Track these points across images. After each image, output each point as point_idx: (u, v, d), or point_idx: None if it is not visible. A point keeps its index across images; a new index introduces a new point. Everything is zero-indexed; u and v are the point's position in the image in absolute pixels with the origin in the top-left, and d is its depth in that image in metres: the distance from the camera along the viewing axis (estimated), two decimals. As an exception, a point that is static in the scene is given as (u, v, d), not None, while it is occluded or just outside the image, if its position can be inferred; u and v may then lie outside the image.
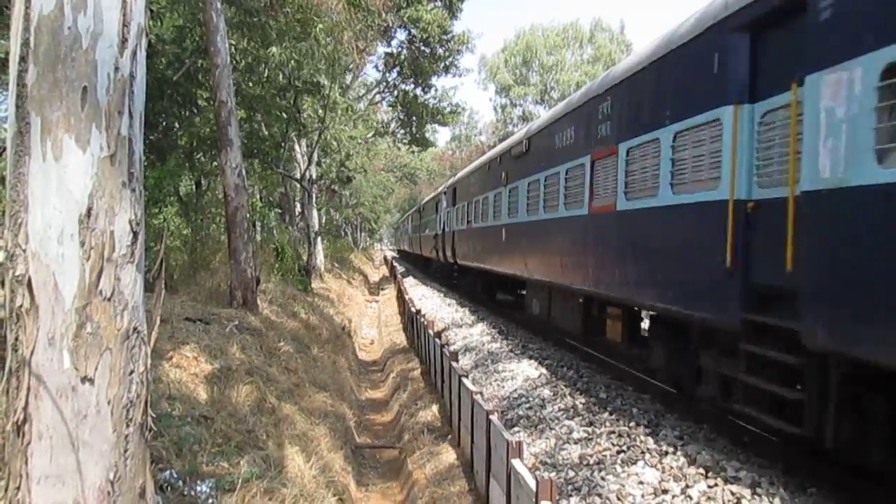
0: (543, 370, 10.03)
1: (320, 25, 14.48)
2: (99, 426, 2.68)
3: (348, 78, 25.17)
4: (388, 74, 28.14)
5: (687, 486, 5.30)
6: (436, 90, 28.72)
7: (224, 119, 11.32)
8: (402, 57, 26.57)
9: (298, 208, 25.59)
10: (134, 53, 2.79)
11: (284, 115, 17.77)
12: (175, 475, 4.75)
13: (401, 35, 26.04)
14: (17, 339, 2.61)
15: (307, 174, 23.78)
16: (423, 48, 25.93)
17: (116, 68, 2.71)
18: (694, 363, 6.82)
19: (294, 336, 11.83)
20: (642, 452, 6.10)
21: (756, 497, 5.02)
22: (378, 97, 30.10)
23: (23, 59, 2.58)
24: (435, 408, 9.93)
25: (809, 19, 4.81)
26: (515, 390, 9.36)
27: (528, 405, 8.50)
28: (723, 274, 5.77)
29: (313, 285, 19.90)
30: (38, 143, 2.58)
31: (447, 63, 27.08)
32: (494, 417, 5.87)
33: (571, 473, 6.02)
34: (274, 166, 19.58)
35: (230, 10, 13.52)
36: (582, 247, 9.55)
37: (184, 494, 4.62)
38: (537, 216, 11.72)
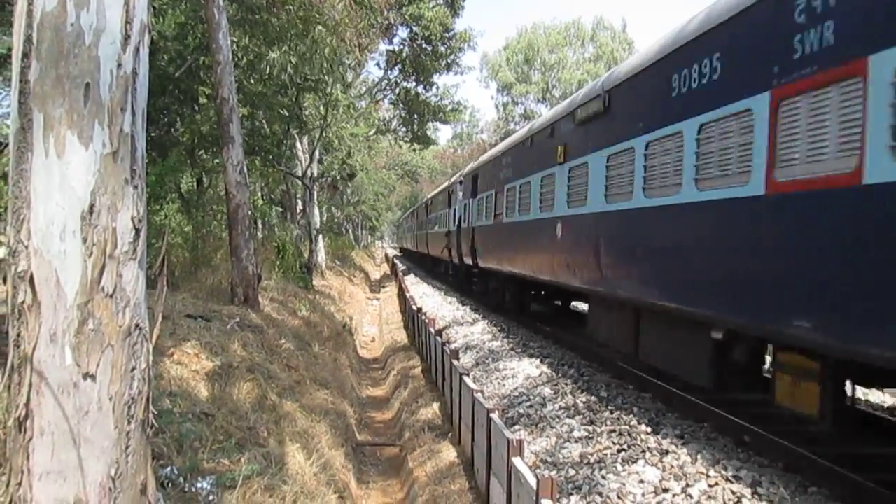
0: (544, 368, 10.02)
1: (320, 26, 14.47)
2: (100, 423, 2.68)
3: (350, 76, 25.17)
4: (389, 72, 28.14)
5: (688, 485, 5.30)
6: (437, 88, 28.75)
7: (226, 116, 11.32)
8: (404, 54, 26.57)
9: (300, 205, 25.61)
10: (136, 50, 2.79)
11: (286, 113, 17.78)
12: (176, 472, 4.75)
13: (402, 32, 26.08)
14: (19, 335, 2.61)
15: (309, 171, 23.80)
16: (424, 46, 25.94)
17: (119, 65, 2.71)
18: None
19: (295, 333, 11.84)
20: (643, 451, 6.10)
21: (757, 496, 5.02)
22: (380, 95, 30.10)
23: (26, 55, 2.59)
24: (436, 406, 9.94)
25: None
26: (516, 388, 9.36)
27: (528, 403, 8.50)
28: None
29: (314, 283, 19.93)
30: (40, 139, 2.58)
31: (449, 61, 27.09)
32: (495, 416, 5.87)
33: (572, 472, 6.03)
34: (275, 163, 19.59)
35: (232, 8, 13.52)
36: (741, 249, 5.82)
37: (185, 491, 4.62)
38: (630, 203, 8.00)
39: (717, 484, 5.26)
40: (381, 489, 8.33)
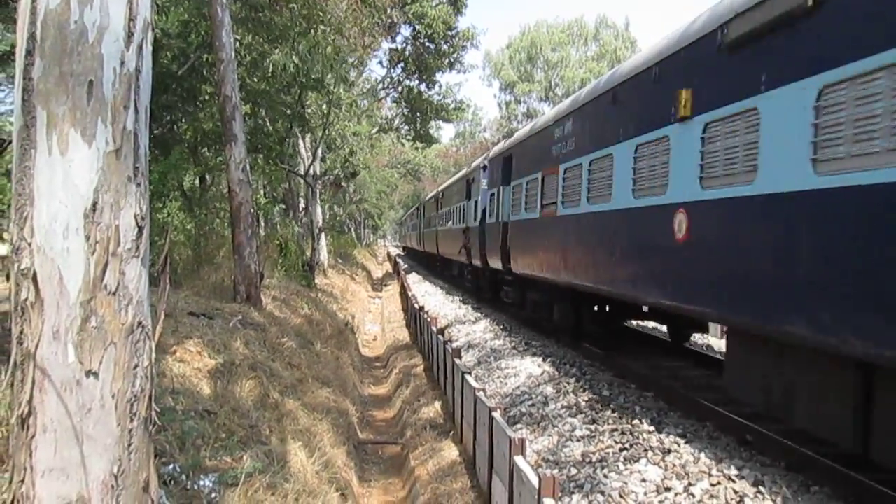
0: (546, 367, 10.02)
1: (322, 26, 14.47)
2: (103, 420, 2.69)
3: (352, 74, 25.19)
4: (392, 70, 28.14)
5: (690, 484, 5.29)
6: (440, 86, 28.69)
7: (228, 114, 11.33)
8: (407, 53, 26.56)
9: (302, 204, 25.64)
10: (140, 48, 2.78)
11: (289, 111, 17.78)
12: (178, 469, 4.76)
13: (405, 31, 26.05)
14: (21, 332, 2.61)
15: (311, 170, 23.82)
16: (427, 44, 25.91)
17: (122, 62, 2.71)
18: None
19: (297, 332, 11.86)
20: (645, 450, 6.09)
21: (759, 495, 5.01)
22: (382, 93, 30.11)
23: (29, 52, 2.59)
24: (437, 404, 9.94)
25: None
26: (518, 387, 9.36)
27: (530, 402, 8.50)
28: None
29: (317, 281, 19.94)
30: (43, 137, 2.58)
31: (452, 59, 27.04)
32: (497, 414, 5.87)
33: (574, 471, 6.02)
34: (278, 161, 19.60)
35: (235, 5, 13.53)
36: None
37: (187, 489, 4.63)
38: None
39: (719, 483, 5.26)
40: (382, 487, 8.34)
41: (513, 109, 58.19)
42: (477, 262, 18.21)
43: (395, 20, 24.26)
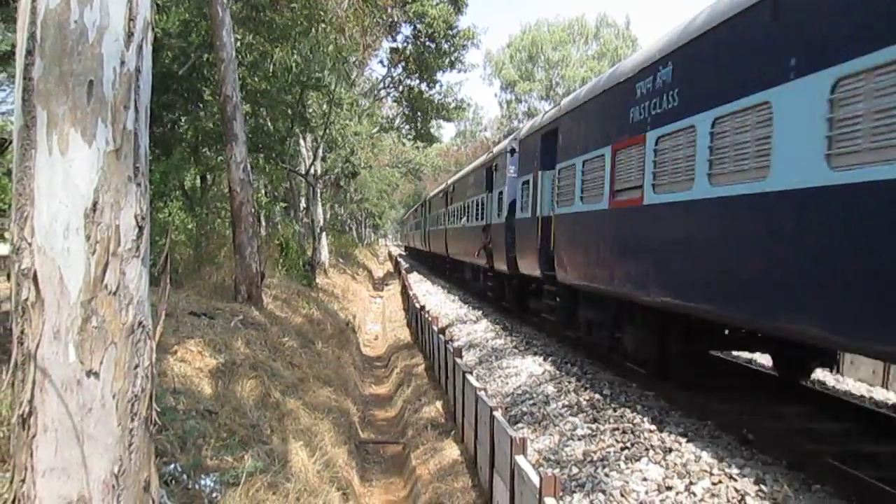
0: (548, 367, 10.02)
1: (323, 25, 14.45)
2: (104, 420, 2.69)
3: (353, 73, 25.19)
4: (393, 70, 28.14)
5: (691, 483, 5.29)
6: (441, 86, 28.70)
7: (229, 114, 11.33)
8: (408, 52, 26.55)
9: (303, 203, 25.64)
10: (140, 47, 2.78)
11: (290, 111, 17.78)
12: (179, 469, 4.76)
13: (406, 30, 26.05)
14: (22, 332, 2.61)
15: (312, 169, 23.82)
16: (428, 43, 25.91)
17: (122, 62, 2.71)
18: None
19: (298, 331, 11.86)
20: (646, 449, 6.09)
21: (760, 494, 5.01)
22: (383, 92, 30.11)
23: (29, 52, 2.59)
24: (439, 404, 9.94)
25: None
26: (519, 387, 9.35)
27: (532, 402, 8.49)
28: None
29: (318, 280, 19.94)
30: (44, 136, 2.58)
31: (452, 58, 27.03)
32: (498, 414, 5.87)
33: (575, 470, 6.02)
34: (279, 161, 19.60)
35: (236, 5, 13.53)
36: None
37: (188, 488, 4.63)
38: None
39: (720, 482, 5.25)
40: (383, 487, 8.34)
41: (513, 108, 58.20)
42: (501, 267, 14.90)
43: (396, 19, 24.26)
